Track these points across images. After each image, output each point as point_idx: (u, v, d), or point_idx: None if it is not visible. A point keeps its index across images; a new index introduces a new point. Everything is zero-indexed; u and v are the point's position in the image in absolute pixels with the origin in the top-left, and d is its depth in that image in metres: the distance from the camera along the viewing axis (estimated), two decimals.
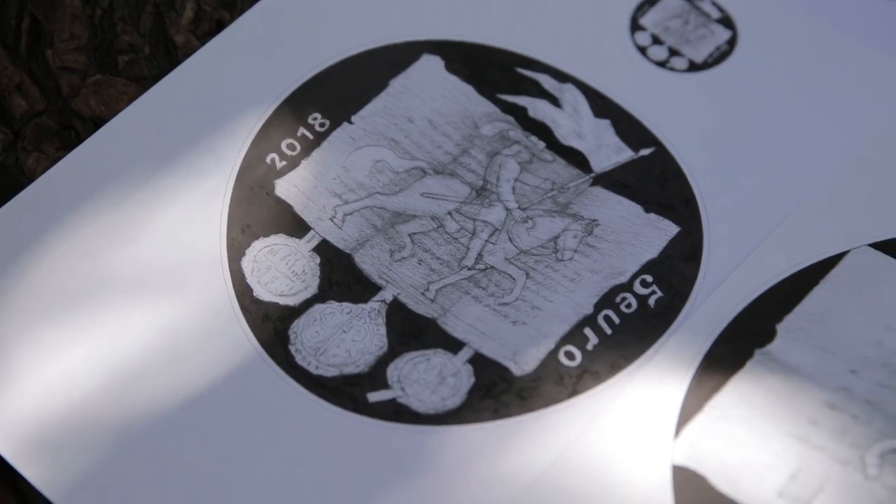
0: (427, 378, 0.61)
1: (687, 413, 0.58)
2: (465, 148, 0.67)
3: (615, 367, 0.60)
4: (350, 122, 0.68)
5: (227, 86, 0.67)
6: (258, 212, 0.65)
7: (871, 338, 0.59)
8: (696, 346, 0.60)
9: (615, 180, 0.66)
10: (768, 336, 0.60)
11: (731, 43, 0.70)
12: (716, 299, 0.61)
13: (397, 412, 0.60)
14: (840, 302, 0.60)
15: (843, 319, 0.60)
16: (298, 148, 0.67)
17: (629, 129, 0.68)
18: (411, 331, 0.62)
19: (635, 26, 0.71)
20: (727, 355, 0.59)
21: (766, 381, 0.58)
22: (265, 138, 0.67)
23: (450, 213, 0.66)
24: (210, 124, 0.66)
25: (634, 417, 0.58)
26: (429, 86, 0.69)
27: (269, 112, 0.67)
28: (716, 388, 0.58)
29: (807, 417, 0.57)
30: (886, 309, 0.60)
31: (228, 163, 0.66)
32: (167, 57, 0.70)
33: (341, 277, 0.64)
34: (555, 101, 0.69)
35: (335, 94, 0.68)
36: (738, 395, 0.58)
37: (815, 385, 0.58)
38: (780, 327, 0.60)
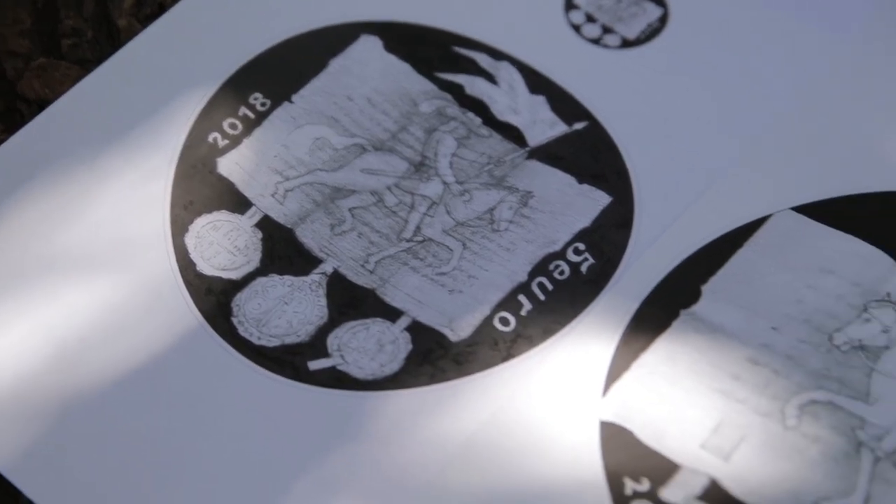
0: (366, 346, 0.63)
1: (615, 372, 0.60)
2: (403, 125, 0.69)
3: (548, 332, 0.62)
4: (290, 102, 0.69)
5: (169, 68, 0.69)
6: (201, 189, 0.66)
7: (792, 296, 0.61)
8: (624, 308, 0.62)
9: (550, 153, 0.68)
10: (693, 297, 0.62)
11: (663, 20, 0.72)
12: (644, 264, 0.63)
13: (337, 379, 0.62)
14: (763, 263, 0.62)
15: (765, 279, 0.62)
16: (240, 127, 0.68)
17: (563, 104, 0.70)
18: (351, 301, 0.64)
19: (569, 5, 0.73)
20: (654, 316, 0.61)
21: (691, 340, 0.60)
22: (207, 118, 0.68)
23: (389, 188, 0.67)
24: (153, 105, 0.68)
25: (564, 377, 0.60)
26: (367, 65, 0.70)
27: (211, 93, 0.69)
28: (643, 348, 0.60)
29: (729, 373, 0.59)
30: (807, 268, 0.62)
31: (171, 142, 0.68)
32: (110, 40, 0.71)
33: (283, 251, 0.65)
34: (491, 79, 0.71)
35: (276, 74, 0.70)
36: (664, 353, 0.60)
37: (738, 342, 0.60)
38: (705, 288, 0.62)
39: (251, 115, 0.69)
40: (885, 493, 0.55)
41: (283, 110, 0.69)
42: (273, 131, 0.68)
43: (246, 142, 0.68)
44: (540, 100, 0.70)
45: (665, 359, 0.60)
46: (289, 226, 0.66)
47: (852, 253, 0.62)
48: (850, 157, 0.65)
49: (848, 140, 0.66)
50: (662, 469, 0.56)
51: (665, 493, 0.56)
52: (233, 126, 0.68)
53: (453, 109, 0.70)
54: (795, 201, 0.64)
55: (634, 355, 0.60)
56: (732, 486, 0.56)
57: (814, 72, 0.69)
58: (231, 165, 0.68)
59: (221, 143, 0.68)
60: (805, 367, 0.59)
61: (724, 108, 0.68)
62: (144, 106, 0.68)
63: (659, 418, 0.58)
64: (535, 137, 0.69)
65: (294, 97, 0.69)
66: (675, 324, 0.61)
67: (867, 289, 0.61)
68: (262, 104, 0.69)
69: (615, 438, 0.58)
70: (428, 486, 0.57)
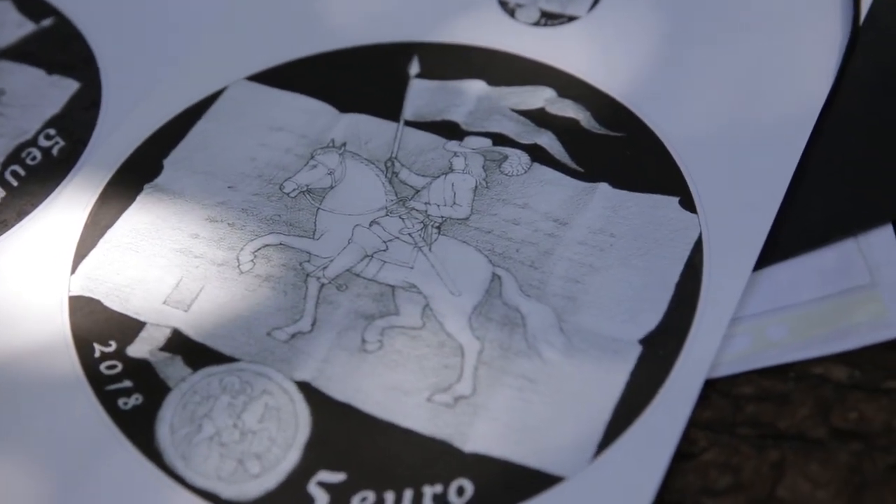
0: None
1: (82, 250, 0.62)
2: None
3: (22, 214, 0.64)
4: None
5: None
6: None
7: (246, 155, 0.65)
8: (90, 189, 0.64)
9: (20, 52, 0.70)
10: (156, 171, 0.65)
11: None
12: (110, 144, 0.66)
13: None
14: (220, 130, 0.66)
15: (220, 144, 0.65)
16: None
17: (29, 4, 0.72)
18: None
19: None
20: (120, 194, 0.64)
21: (153, 210, 0.63)
22: None
23: None
24: None
25: (35, 259, 0.62)
26: None
27: None
28: (109, 225, 0.63)
29: (189, 233, 0.62)
30: (259, 129, 0.66)
31: None
32: None
33: None
34: None
35: None
36: (128, 226, 0.63)
37: (197, 204, 0.63)
38: (167, 161, 0.65)
39: None
40: (330, 313, 0.59)
41: None
42: None
43: None
44: (6, 5, 0.72)
45: (129, 231, 0.63)
46: None
47: (299, 109, 0.67)
48: (290, 28, 0.70)
49: (287, 12, 0.70)
50: (129, 329, 0.59)
51: (131, 349, 0.59)
52: None
53: None
54: (248, 72, 0.68)
55: (101, 233, 0.63)
56: (192, 333, 0.59)
57: None
58: None
59: None
60: (257, 217, 0.63)
61: None
62: None
63: (124, 285, 0.61)
64: (3, 39, 0.71)
65: None
66: (139, 198, 0.64)
67: (313, 139, 0.65)
68: None
69: (83, 309, 0.60)
70: None
